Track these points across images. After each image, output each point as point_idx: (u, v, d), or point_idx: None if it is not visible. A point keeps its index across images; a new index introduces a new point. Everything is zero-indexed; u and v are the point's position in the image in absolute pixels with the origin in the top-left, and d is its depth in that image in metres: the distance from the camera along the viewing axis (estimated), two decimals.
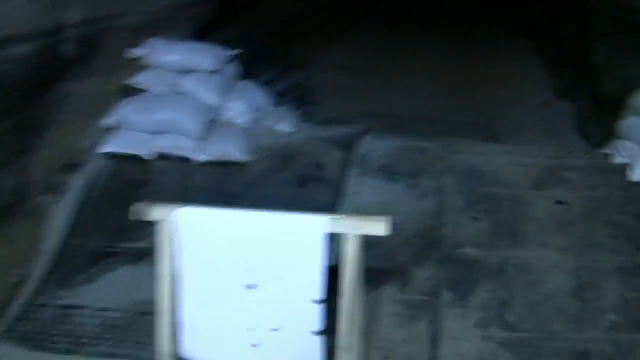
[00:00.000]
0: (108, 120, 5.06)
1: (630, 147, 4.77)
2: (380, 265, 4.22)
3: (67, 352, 3.95)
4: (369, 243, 4.32)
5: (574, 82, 8.96)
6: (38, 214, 4.55)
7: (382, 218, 3.02)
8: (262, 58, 8.60)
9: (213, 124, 5.12)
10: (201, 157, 4.96)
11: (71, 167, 4.87)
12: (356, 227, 3.01)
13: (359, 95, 9.38)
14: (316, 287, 3.09)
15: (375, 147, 5.23)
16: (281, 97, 7.99)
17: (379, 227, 3.01)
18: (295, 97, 8.57)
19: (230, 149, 4.95)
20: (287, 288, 3.12)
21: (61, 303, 4.21)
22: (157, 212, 3.16)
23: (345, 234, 3.04)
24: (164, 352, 3.27)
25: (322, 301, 3.10)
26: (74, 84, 4.76)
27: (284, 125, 5.44)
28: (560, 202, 4.55)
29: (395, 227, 4.46)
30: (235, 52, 5.52)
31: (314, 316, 3.13)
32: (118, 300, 4.19)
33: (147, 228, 4.52)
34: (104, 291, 4.26)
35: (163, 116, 4.95)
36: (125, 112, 5.00)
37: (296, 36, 10.18)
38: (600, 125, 7.21)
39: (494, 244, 4.30)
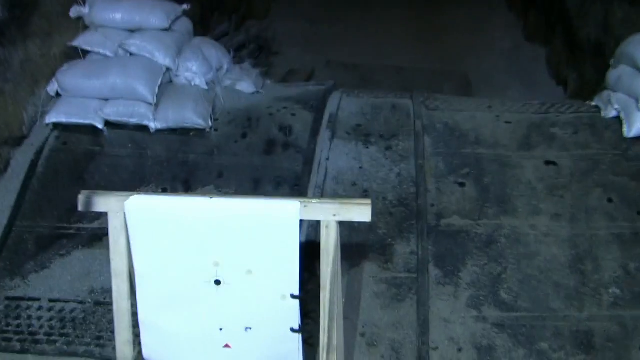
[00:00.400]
0: (51, 87, 4.59)
1: (622, 100, 4.40)
2: (359, 239, 3.88)
3: (21, 351, 3.60)
4: None
5: (545, 24, 8.60)
6: None
7: (365, 201, 2.63)
8: (215, 9, 8.12)
9: (168, 87, 4.67)
10: (157, 125, 4.52)
11: (12, 141, 4.42)
12: (336, 213, 2.62)
13: (322, 44, 8.98)
14: (292, 280, 2.73)
15: (346, 105, 4.82)
16: (239, 52, 7.57)
17: (362, 213, 2.62)
18: (254, 49, 8.11)
19: (188, 114, 4.51)
20: (259, 283, 2.76)
21: (11, 295, 3.85)
22: (107, 202, 2.75)
23: (323, 220, 2.65)
24: (125, 357, 2.89)
25: (299, 296, 2.74)
26: (9, 49, 4.28)
27: (245, 84, 4.98)
28: (550, 163, 4.19)
29: (372, 195, 4.15)
30: (186, 6, 5.01)
31: (291, 313, 2.78)
32: (74, 289, 3.83)
33: None
34: (58, 279, 3.89)
35: (112, 80, 4.46)
36: (70, 77, 4.52)
37: None
38: (577, 71, 6.88)
39: (482, 212, 3.95)
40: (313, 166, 4.30)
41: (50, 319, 3.69)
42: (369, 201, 2.63)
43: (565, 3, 7.58)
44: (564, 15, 7.63)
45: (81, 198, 2.75)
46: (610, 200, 3.96)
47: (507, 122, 4.52)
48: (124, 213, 2.72)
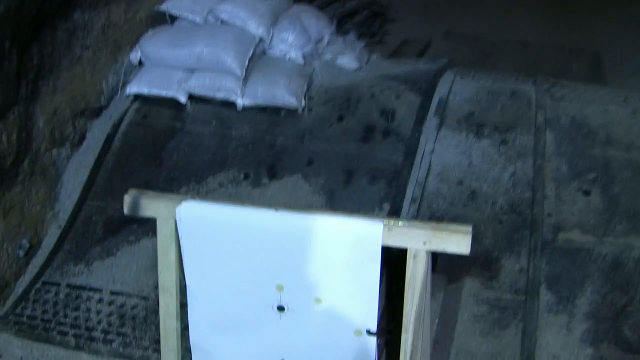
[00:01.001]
0: (132, 55, 4.23)
1: None
2: None
3: (75, 347, 3.31)
4: (445, 217, 3.47)
5: None
6: (48, 172, 3.82)
7: (464, 228, 2.11)
8: None
9: (259, 60, 4.22)
10: (244, 101, 4.09)
11: (89, 112, 4.11)
12: (427, 240, 2.12)
13: (441, 12, 8.33)
14: (369, 314, 2.25)
15: (459, 88, 4.24)
16: (347, 21, 7.08)
17: (459, 243, 2.10)
18: (367, 16, 7.57)
19: (280, 92, 4.05)
20: (329, 314, 2.30)
21: (72, 282, 3.58)
22: (156, 207, 2.33)
23: (410, 248, 2.16)
24: None
25: (377, 333, 2.27)
26: (90, 12, 3.93)
27: (347, 59, 4.46)
28: None
29: (481, 198, 3.60)
30: None
31: (367, 351, 2.31)
32: (138, 283, 3.51)
33: (181, 188, 3.78)
34: (123, 269, 3.58)
35: (199, 50, 4.06)
36: (153, 45, 4.15)
37: None
38: None
39: (608, 228, 3.35)
40: (415, 159, 3.79)
41: (110, 314, 3.37)
42: (469, 228, 2.12)
43: None
44: None
45: (127, 199, 2.35)
46: None
47: None
48: (175, 220, 2.30)
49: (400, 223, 2.15)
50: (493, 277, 3.25)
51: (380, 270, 2.19)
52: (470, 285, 3.24)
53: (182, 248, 2.32)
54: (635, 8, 8.45)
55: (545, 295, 3.15)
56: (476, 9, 8.50)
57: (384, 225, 2.13)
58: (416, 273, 2.15)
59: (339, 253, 2.19)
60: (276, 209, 2.23)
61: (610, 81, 6.31)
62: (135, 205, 2.33)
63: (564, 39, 7.65)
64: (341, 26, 6.86)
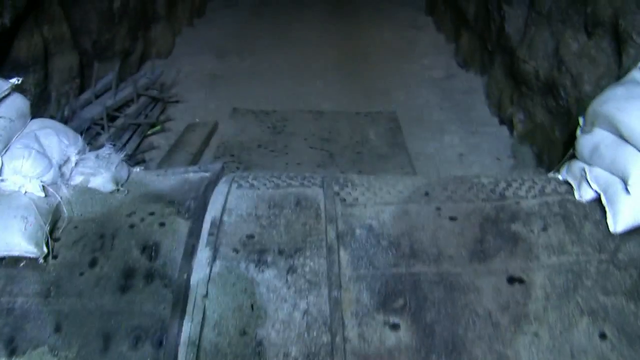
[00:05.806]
0: None
1: (602, 178, 3.25)
2: None
3: None
4: None
5: (481, 48, 7.50)
6: None
7: None
8: (100, 55, 6.84)
9: None
10: None
11: None
12: None
13: (231, 83, 7.88)
14: None
15: (236, 202, 3.57)
16: (120, 114, 6.34)
17: None
18: (142, 104, 6.82)
19: (15, 239, 3.20)
20: None
21: None
22: None
23: None
24: None
25: None
26: None
27: (102, 180, 3.65)
28: (514, 280, 3.02)
29: (271, 350, 2.85)
30: (17, 80, 3.65)
31: None
32: None
33: None
34: None
35: None
36: None
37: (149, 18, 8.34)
38: (524, 110, 5.76)
39: None
40: (187, 308, 3.06)
41: None
42: None
43: (504, 27, 6.45)
44: (503, 41, 6.50)
45: None
46: (603, 336, 2.80)
47: (451, 219, 3.33)
48: None
49: None
50: None
51: None
52: None
53: None
54: (427, 60, 8.27)
55: None
56: (268, 76, 8.03)
57: None
58: None
59: None
60: None
61: (410, 145, 5.96)
62: None
63: (360, 100, 7.29)
64: (113, 120, 6.10)
